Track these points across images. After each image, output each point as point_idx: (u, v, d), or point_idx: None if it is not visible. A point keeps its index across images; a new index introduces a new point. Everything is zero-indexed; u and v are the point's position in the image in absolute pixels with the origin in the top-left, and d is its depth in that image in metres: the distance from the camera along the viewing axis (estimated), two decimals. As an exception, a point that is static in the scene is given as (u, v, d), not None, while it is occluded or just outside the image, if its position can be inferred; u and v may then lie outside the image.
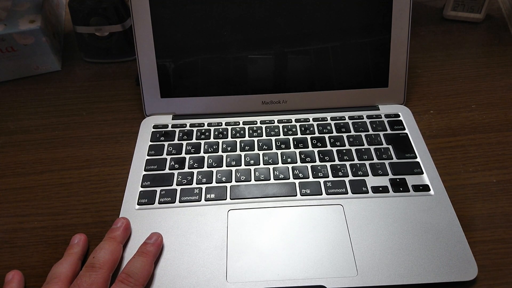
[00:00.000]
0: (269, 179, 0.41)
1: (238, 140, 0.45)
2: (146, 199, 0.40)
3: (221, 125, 0.47)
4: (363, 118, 0.47)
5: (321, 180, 0.40)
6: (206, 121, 0.47)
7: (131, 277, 0.32)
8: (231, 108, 0.48)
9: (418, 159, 0.42)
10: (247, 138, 0.45)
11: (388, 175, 0.41)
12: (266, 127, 0.46)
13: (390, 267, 0.34)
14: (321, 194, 0.39)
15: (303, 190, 0.40)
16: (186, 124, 0.47)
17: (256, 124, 0.47)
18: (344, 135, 0.45)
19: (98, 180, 0.43)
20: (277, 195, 0.39)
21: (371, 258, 0.34)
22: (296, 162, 0.42)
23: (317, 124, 0.46)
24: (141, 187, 0.41)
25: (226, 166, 0.42)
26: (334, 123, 0.46)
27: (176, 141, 0.45)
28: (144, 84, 0.47)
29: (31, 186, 0.43)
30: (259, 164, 0.42)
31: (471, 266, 0.34)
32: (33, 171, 0.45)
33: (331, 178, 0.41)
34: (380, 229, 0.36)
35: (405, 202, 0.38)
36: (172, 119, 0.48)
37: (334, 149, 0.43)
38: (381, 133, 0.45)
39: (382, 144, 0.44)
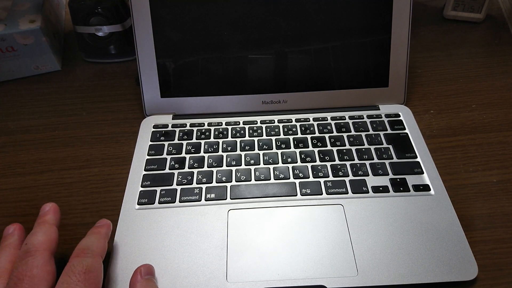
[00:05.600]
0: (269, 179, 0.41)
1: (238, 140, 0.45)
2: (146, 199, 0.40)
3: (221, 125, 0.47)
4: (363, 118, 0.47)
5: (321, 180, 0.40)
6: (206, 121, 0.47)
7: (86, 249, 0.30)
8: (231, 108, 0.48)
9: (419, 159, 0.42)
10: (247, 138, 0.45)
11: (388, 175, 0.41)
12: (266, 127, 0.46)
13: (390, 267, 0.34)
14: (321, 194, 0.39)
15: (303, 190, 0.40)
16: (186, 124, 0.47)
17: (256, 124, 0.47)
18: (345, 135, 0.45)
19: (98, 180, 0.43)
20: (277, 195, 0.39)
21: (371, 258, 0.34)
22: (296, 162, 0.42)
23: (317, 124, 0.46)
24: (141, 187, 0.41)
25: (226, 166, 0.42)
26: (334, 123, 0.46)
27: (176, 141, 0.45)
28: (144, 84, 0.47)
29: (31, 186, 0.43)
30: (259, 164, 0.42)
31: (471, 266, 0.33)
32: (33, 171, 0.45)
33: (331, 178, 0.41)
34: (381, 229, 0.36)
35: (406, 202, 0.38)
36: (172, 119, 0.48)
37: (334, 149, 0.43)
38: (381, 133, 0.45)
39: (382, 144, 0.44)
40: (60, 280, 0.28)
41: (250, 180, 0.41)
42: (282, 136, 0.45)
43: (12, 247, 0.32)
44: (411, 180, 0.40)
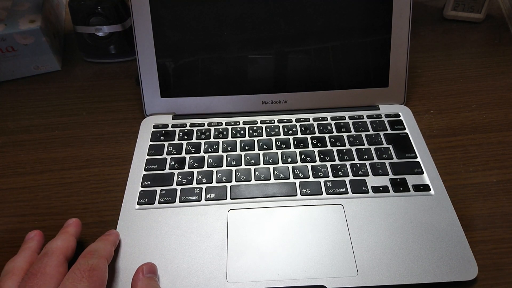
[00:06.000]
0: (269, 179, 0.41)
1: (238, 140, 0.45)
2: (146, 199, 0.40)
3: (221, 125, 0.47)
4: (363, 118, 0.47)
5: (321, 180, 0.40)
6: (206, 121, 0.47)
7: (93, 251, 0.32)
8: (231, 108, 0.48)
9: (419, 159, 0.42)
10: (247, 138, 0.45)
11: (388, 175, 0.41)
12: (266, 127, 0.46)
13: (390, 267, 0.34)
14: (321, 194, 0.39)
15: (303, 190, 0.40)
16: (186, 124, 0.47)
17: (256, 124, 0.47)
18: (345, 135, 0.45)
19: (98, 180, 0.43)
20: (277, 195, 0.39)
21: (371, 258, 0.34)
22: (296, 162, 0.42)
23: (317, 124, 0.46)
24: (141, 187, 0.41)
25: (226, 166, 0.42)
26: (334, 123, 0.46)
27: (176, 141, 0.45)
28: (144, 84, 0.47)
29: (31, 186, 0.43)
30: (259, 164, 0.42)
31: (471, 266, 0.33)
32: (33, 171, 0.45)
33: (331, 178, 0.41)
34: (381, 229, 0.36)
35: (406, 202, 0.38)
36: (172, 119, 0.48)
37: (334, 149, 0.43)
38: (381, 133, 0.45)
39: (382, 144, 0.44)
40: (66, 276, 0.30)
41: (250, 180, 0.41)
42: (282, 136, 0.45)
43: (31, 250, 0.34)
44: (411, 180, 0.40)
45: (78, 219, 0.37)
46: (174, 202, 0.39)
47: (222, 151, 0.44)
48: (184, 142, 0.45)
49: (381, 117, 0.47)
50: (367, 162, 0.42)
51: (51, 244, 0.33)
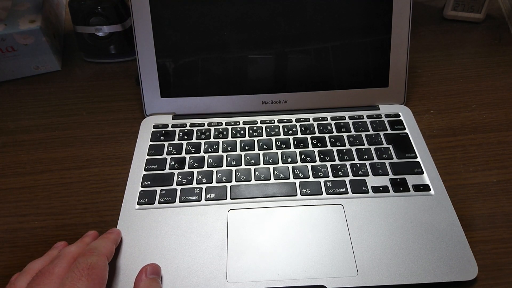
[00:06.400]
0: (269, 179, 0.41)
1: (238, 140, 0.45)
2: (146, 199, 0.40)
3: (221, 125, 0.47)
4: (363, 118, 0.47)
5: (321, 180, 0.40)
6: (206, 121, 0.47)
7: (93, 249, 0.32)
8: (231, 108, 0.48)
9: (419, 159, 0.42)
10: (247, 138, 0.45)
11: (388, 175, 0.41)
12: (266, 127, 0.46)
13: (390, 267, 0.34)
14: (321, 194, 0.39)
15: (303, 190, 0.40)
16: (186, 124, 0.47)
17: (256, 124, 0.47)
18: (345, 135, 0.45)
19: (98, 180, 0.43)
20: (277, 195, 0.39)
21: (371, 258, 0.34)
22: (296, 162, 0.42)
23: (317, 124, 0.46)
24: (141, 187, 0.41)
25: (226, 166, 0.42)
26: (334, 123, 0.46)
27: (176, 141, 0.45)
28: (144, 84, 0.47)
29: (31, 186, 0.43)
30: (259, 164, 0.42)
31: (471, 266, 0.33)
32: (33, 171, 0.45)
33: (331, 178, 0.41)
34: (380, 229, 0.36)
35: (406, 202, 0.38)
36: (172, 119, 0.48)
37: (334, 149, 0.43)
38: (381, 133, 0.45)
39: (382, 144, 0.44)
40: (65, 275, 0.30)
41: (250, 180, 0.41)
42: (282, 136, 0.45)
43: (51, 256, 0.34)
44: (411, 180, 0.40)
45: (96, 232, 0.37)
46: (174, 202, 0.39)
47: (222, 151, 0.44)
48: (184, 142, 0.45)
49: (381, 117, 0.47)
50: (367, 162, 0.42)
51: (65, 249, 0.33)
